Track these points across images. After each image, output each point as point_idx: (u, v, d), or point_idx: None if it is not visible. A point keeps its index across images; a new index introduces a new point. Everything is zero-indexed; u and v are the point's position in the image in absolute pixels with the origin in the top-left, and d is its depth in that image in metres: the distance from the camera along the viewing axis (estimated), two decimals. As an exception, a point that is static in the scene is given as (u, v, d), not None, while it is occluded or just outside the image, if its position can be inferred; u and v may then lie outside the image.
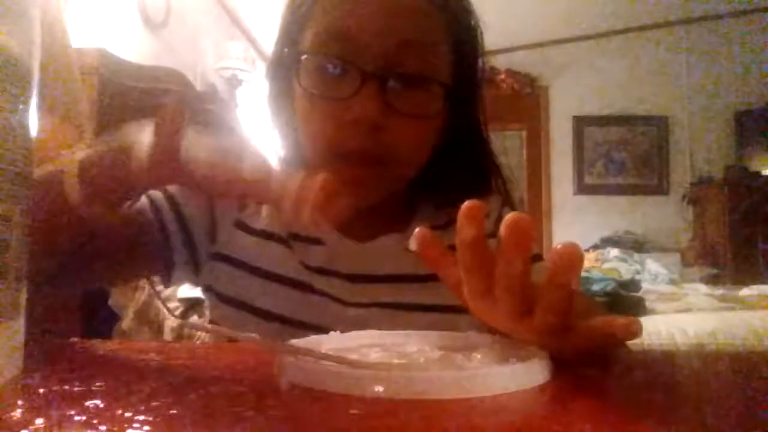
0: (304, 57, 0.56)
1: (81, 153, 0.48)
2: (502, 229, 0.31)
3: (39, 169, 0.50)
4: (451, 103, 0.57)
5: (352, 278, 0.60)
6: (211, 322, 0.65)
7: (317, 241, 0.61)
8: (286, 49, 0.60)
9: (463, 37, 0.60)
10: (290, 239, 0.61)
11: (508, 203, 0.67)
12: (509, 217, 0.31)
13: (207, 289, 0.62)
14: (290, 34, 0.60)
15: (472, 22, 0.62)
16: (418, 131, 0.56)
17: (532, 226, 0.31)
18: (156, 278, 0.63)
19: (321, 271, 0.60)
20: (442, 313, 0.57)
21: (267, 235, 0.61)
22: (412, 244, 0.36)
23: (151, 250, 0.58)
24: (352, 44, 0.53)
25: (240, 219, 0.61)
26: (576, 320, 0.33)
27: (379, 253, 0.61)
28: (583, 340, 0.34)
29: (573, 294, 0.31)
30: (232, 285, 0.59)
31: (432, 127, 0.58)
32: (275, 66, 0.63)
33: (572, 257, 0.30)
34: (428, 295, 0.58)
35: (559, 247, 0.30)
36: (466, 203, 0.33)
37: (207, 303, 0.66)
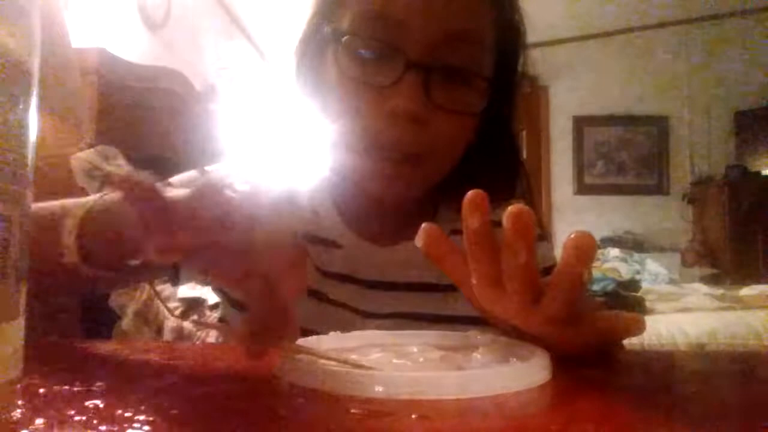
0: (345, 38, 0.52)
1: (84, 201, 0.43)
2: (505, 221, 0.31)
3: (39, 204, 0.45)
4: (489, 100, 0.54)
5: (371, 285, 0.57)
6: (220, 320, 0.64)
7: (334, 244, 0.58)
8: (326, 28, 0.55)
9: (509, 33, 0.57)
10: (306, 242, 0.57)
11: (532, 208, 0.66)
12: (511, 209, 0.31)
13: (218, 289, 0.61)
14: (329, 12, 0.56)
15: (518, 20, 0.59)
16: (457, 127, 0.53)
17: (534, 217, 0.31)
18: (164, 278, 0.61)
19: (338, 277, 0.57)
20: (465, 324, 0.54)
21: None
22: (418, 241, 0.36)
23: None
24: (399, 29, 0.50)
25: None
26: (582, 313, 0.33)
27: (399, 259, 0.58)
28: (588, 333, 0.34)
29: (583, 284, 0.32)
30: None
31: (470, 124, 0.55)
32: (307, 43, 0.59)
33: (586, 247, 0.30)
34: (452, 305, 0.55)
35: (573, 236, 0.30)
36: (470, 192, 0.33)
37: (220, 301, 0.64)
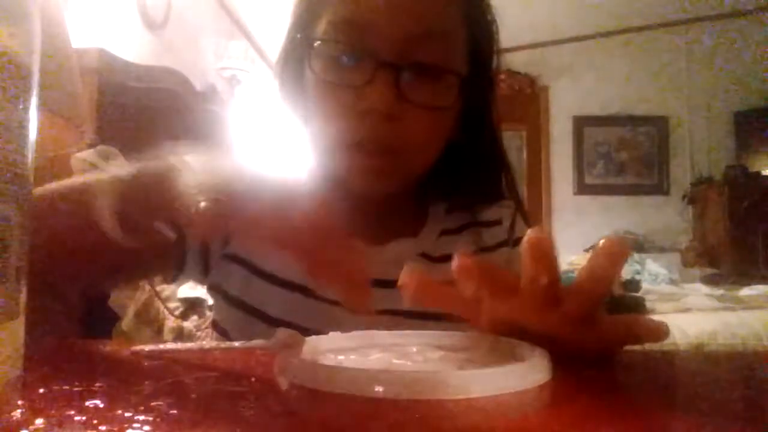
0: (317, 44, 0.55)
1: (113, 171, 0.44)
2: (524, 250, 0.31)
3: (58, 183, 0.48)
4: (464, 96, 0.56)
5: None
6: (214, 323, 0.65)
7: None
8: (299, 35, 0.58)
9: (480, 30, 0.59)
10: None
11: (519, 208, 0.67)
12: (530, 237, 0.31)
13: (213, 288, 0.61)
14: (304, 21, 0.58)
15: (489, 17, 0.61)
16: (431, 122, 0.55)
17: (553, 245, 0.31)
18: (162, 277, 0.62)
19: None
20: (455, 321, 0.56)
21: None
22: (405, 294, 0.36)
23: (163, 252, 0.55)
24: (367, 32, 0.52)
25: None
26: (601, 315, 0.33)
27: (389, 257, 0.59)
28: (607, 336, 0.34)
29: (609, 288, 0.32)
30: (242, 287, 0.58)
31: (445, 119, 0.56)
32: (287, 53, 0.62)
33: (618, 253, 0.31)
34: None
35: (606, 242, 0.31)
36: (454, 262, 0.32)
37: (213, 303, 0.64)
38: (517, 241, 0.66)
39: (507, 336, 0.38)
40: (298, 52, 0.59)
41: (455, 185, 0.63)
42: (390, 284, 0.58)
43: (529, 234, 0.31)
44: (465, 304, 0.36)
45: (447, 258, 0.41)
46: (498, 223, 0.66)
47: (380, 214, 0.60)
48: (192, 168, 0.39)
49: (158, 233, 0.42)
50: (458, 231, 0.64)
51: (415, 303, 0.36)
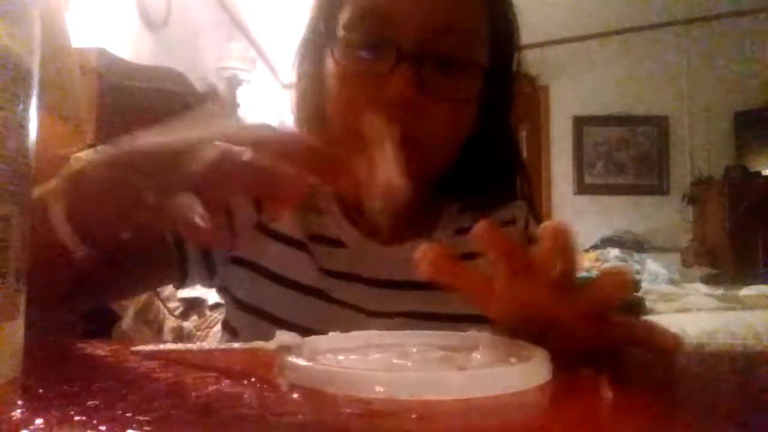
0: (341, 35, 0.55)
1: (64, 171, 0.42)
2: (542, 237, 0.31)
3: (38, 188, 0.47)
4: (484, 93, 0.56)
5: (375, 283, 0.58)
6: (225, 325, 0.64)
7: (339, 244, 0.59)
8: (322, 26, 0.59)
9: (502, 28, 0.60)
10: (311, 242, 0.58)
11: (532, 208, 0.67)
12: (548, 226, 0.31)
13: (222, 290, 0.61)
14: (326, 11, 0.59)
15: (511, 15, 0.61)
16: (453, 114, 0.55)
17: (572, 234, 0.31)
18: (169, 284, 0.61)
19: (342, 276, 0.57)
20: (471, 323, 0.55)
21: (287, 240, 0.58)
22: (422, 268, 0.36)
23: (165, 262, 0.55)
24: (390, 24, 0.53)
25: (261, 222, 0.58)
26: (613, 317, 0.33)
27: (404, 257, 0.58)
28: (618, 338, 0.34)
29: (625, 291, 0.34)
30: (250, 290, 0.57)
31: (466, 113, 0.57)
32: (308, 43, 0.62)
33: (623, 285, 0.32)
34: (456, 304, 0.54)
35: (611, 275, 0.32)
36: (475, 229, 0.33)
37: (224, 303, 0.64)
38: (530, 241, 0.66)
39: (515, 323, 0.38)
40: (319, 42, 0.59)
41: (470, 185, 0.63)
42: (404, 286, 0.58)
43: (548, 222, 0.31)
44: (478, 283, 0.35)
45: (462, 257, 0.41)
46: (511, 222, 0.66)
47: (397, 213, 0.61)
48: (163, 145, 0.37)
49: (127, 235, 0.40)
50: (470, 230, 0.64)
51: (430, 276, 0.36)
